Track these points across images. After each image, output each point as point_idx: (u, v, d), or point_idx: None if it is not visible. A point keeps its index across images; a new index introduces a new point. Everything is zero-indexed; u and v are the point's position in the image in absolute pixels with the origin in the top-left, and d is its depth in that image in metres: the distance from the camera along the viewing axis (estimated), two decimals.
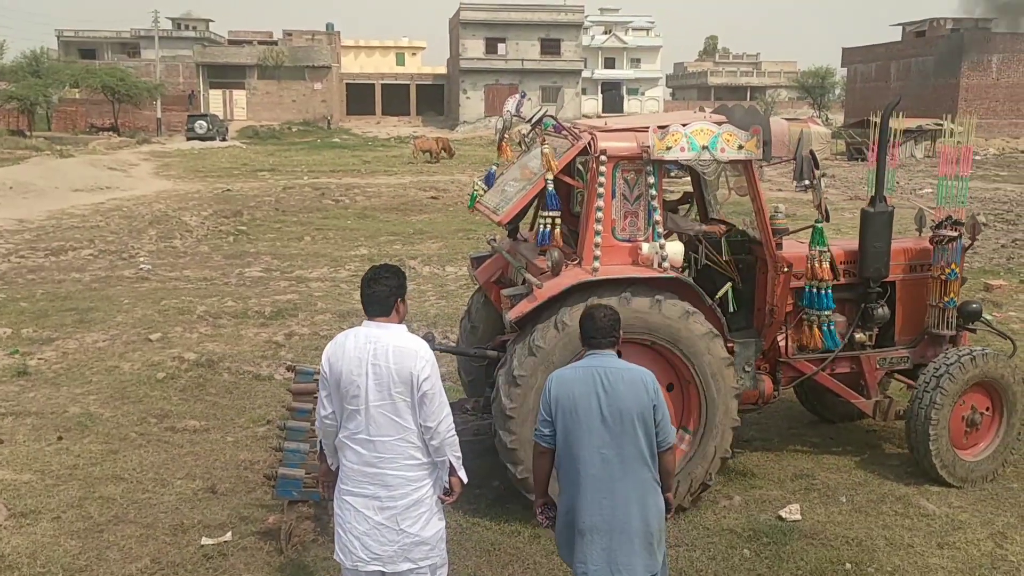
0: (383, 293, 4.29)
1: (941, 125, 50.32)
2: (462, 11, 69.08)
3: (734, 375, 6.31)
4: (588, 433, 4.23)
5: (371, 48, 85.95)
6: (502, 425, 6.11)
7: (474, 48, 68.96)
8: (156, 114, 60.10)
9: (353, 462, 4.30)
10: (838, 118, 73.39)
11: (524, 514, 6.16)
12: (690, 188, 7.85)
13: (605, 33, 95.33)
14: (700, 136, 6.26)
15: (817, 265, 6.60)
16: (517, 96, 7.27)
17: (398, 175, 34.56)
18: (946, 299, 7.06)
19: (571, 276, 6.11)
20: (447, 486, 4.42)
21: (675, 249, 6.24)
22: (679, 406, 6.43)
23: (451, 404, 7.63)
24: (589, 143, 6.26)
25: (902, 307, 7.26)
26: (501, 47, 69.94)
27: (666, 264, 6.14)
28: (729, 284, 6.96)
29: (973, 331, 7.42)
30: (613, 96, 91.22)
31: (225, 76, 68.11)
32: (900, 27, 70.33)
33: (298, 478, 5.67)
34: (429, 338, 7.00)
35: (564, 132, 6.44)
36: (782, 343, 7.02)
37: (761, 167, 7.11)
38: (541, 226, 6.23)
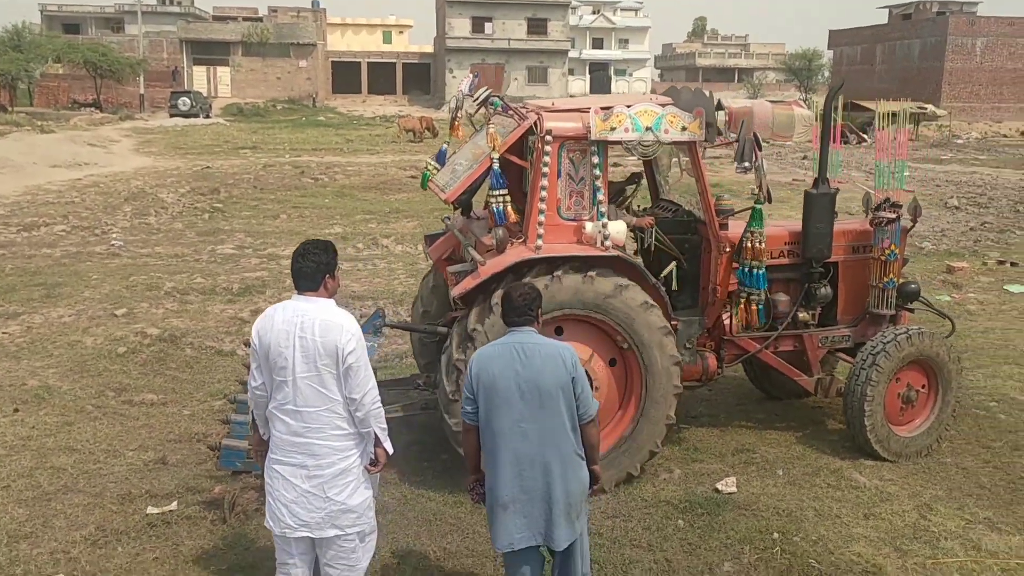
0: (311, 268, 4.40)
1: (925, 109, 50.76)
2: None
3: (673, 343, 6.45)
4: (507, 408, 4.34)
5: (358, 26, 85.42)
6: (446, 408, 6.24)
7: (460, 27, 68.71)
8: (139, 90, 59.67)
9: (282, 432, 4.43)
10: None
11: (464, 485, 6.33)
12: (637, 169, 7.96)
13: (593, 13, 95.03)
14: (644, 117, 6.38)
15: (753, 245, 6.74)
16: (470, 76, 7.39)
17: (380, 154, 34.56)
18: (885, 279, 7.21)
19: (514, 254, 6.25)
20: (373, 457, 4.55)
21: (617, 228, 6.37)
22: (622, 379, 6.57)
23: (403, 379, 7.84)
24: (535, 123, 6.38)
25: (844, 287, 7.42)
26: (488, 26, 69.70)
27: (608, 243, 6.27)
28: (673, 264, 7.12)
29: (911, 311, 7.58)
30: (601, 77, 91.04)
31: (209, 53, 67.67)
32: (887, 10, 70.40)
33: (241, 449, 5.80)
34: (380, 314, 7.20)
35: (511, 112, 6.55)
36: (727, 321, 7.18)
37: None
38: (493, 205, 6.34)
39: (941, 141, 47.18)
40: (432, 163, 7.37)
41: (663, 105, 6.46)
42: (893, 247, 7.15)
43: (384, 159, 32.48)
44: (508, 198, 6.30)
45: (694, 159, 6.74)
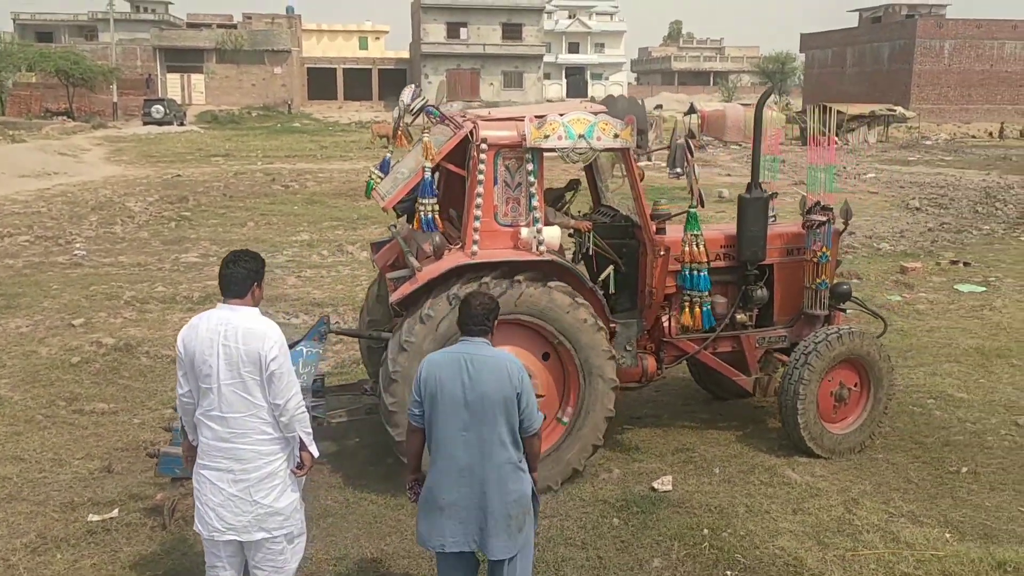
0: (240, 275, 4.51)
1: (894, 111, 51.35)
2: None
3: (605, 339, 6.58)
4: (452, 416, 4.40)
5: (334, 32, 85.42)
6: (386, 387, 6.35)
7: (435, 32, 68.90)
8: (112, 98, 59.48)
9: (208, 438, 4.54)
10: (798, 103, 74.10)
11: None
12: (576, 176, 8.11)
13: (569, 18, 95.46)
14: (577, 125, 6.53)
15: (692, 248, 6.91)
16: (412, 87, 7.52)
17: (353, 160, 34.62)
18: (818, 281, 7.40)
19: (451, 259, 6.39)
20: (299, 460, 4.67)
21: (552, 233, 6.52)
22: (560, 380, 6.71)
23: (351, 384, 7.95)
24: (470, 132, 6.53)
25: (780, 288, 7.60)
26: (463, 31, 69.91)
27: (543, 247, 6.42)
28: (611, 267, 7.29)
29: (844, 311, 7.76)
30: (577, 81, 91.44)
31: (183, 60, 67.50)
32: (857, 13, 71.12)
33: (179, 456, 5.87)
34: (324, 321, 7.31)
35: (447, 122, 6.69)
36: (666, 323, 7.35)
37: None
38: (422, 213, 6.48)
39: (910, 143, 47.74)
40: (376, 172, 7.49)
41: (595, 113, 6.61)
42: (825, 249, 7.34)
43: (356, 165, 32.54)
44: (437, 207, 6.45)
45: (628, 165, 6.89)
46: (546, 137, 6.45)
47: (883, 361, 7.30)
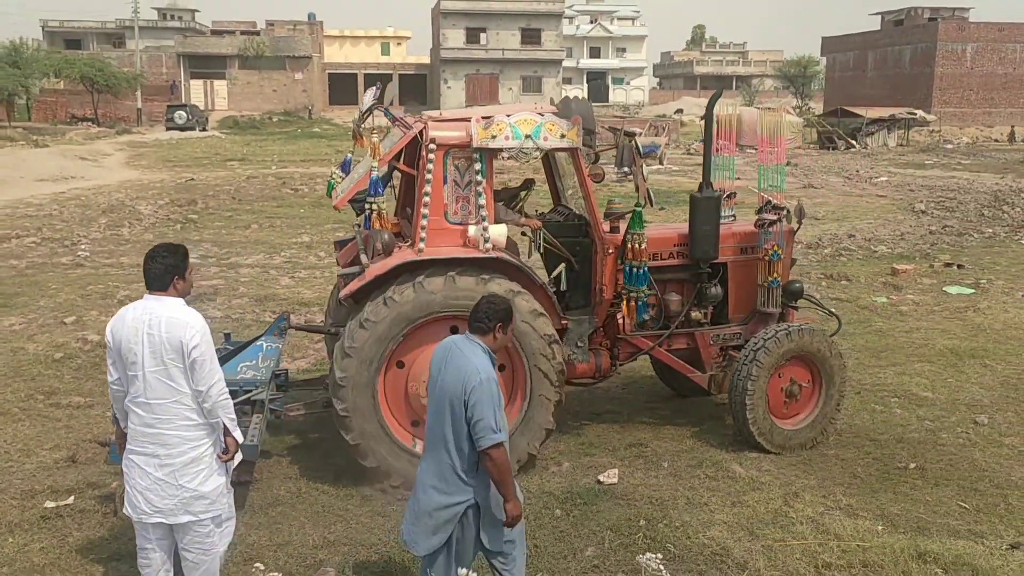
0: (159, 270, 4.71)
1: (915, 115, 51.01)
2: (443, 0, 69.35)
3: (546, 323, 6.67)
4: (429, 402, 4.66)
5: (356, 38, 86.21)
6: (335, 393, 6.54)
7: (455, 38, 69.34)
8: (137, 104, 60.36)
9: (135, 423, 4.75)
10: (820, 107, 73.77)
11: (360, 481, 6.66)
12: (532, 175, 8.26)
13: (591, 22, 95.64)
14: (524, 126, 6.68)
15: (633, 246, 7.03)
16: (374, 88, 7.72)
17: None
18: (770, 279, 7.49)
19: (398, 257, 6.57)
20: (224, 446, 4.86)
21: (498, 231, 6.67)
22: (508, 374, 6.83)
23: (313, 379, 8.14)
24: (420, 132, 6.71)
25: (734, 287, 7.70)
26: (482, 37, 70.24)
27: (488, 245, 6.58)
28: (562, 265, 7.43)
29: (796, 308, 7.83)
30: (598, 86, 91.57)
31: (206, 66, 68.40)
32: (879, 16, 70.67)
33: None
34: (284, 317, 7.52)
35: (397, 123, 6.88)
36: (621, 321, 7.47)
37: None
38: (366, 211, 6.67)
39: (930, 146, 47.41)
40: (337, 172, 7.71)
41: (542, 114, 6.76)
42: (776, 248, 7.43)
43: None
44: (384, 206, 6.64)
45: (576, 165, 7.03)
46: (493, 137, 6.61)
47: (834, 358, 7.38)
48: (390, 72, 76.84)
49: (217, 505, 4.86)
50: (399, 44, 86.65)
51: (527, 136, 6.68)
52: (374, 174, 6.66)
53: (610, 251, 7.14)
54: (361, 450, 6.58)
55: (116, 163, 35.55)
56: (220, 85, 68.83)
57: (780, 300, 7.59)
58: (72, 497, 6.33)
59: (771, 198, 7.57)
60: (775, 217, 7.45)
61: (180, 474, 4.74)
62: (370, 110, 6.88)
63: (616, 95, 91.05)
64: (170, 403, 4.68)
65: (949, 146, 47.77)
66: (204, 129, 55.05)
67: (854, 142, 46.23)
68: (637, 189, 7.10)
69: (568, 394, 8.54)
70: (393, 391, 6.70)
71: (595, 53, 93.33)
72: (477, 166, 6.65)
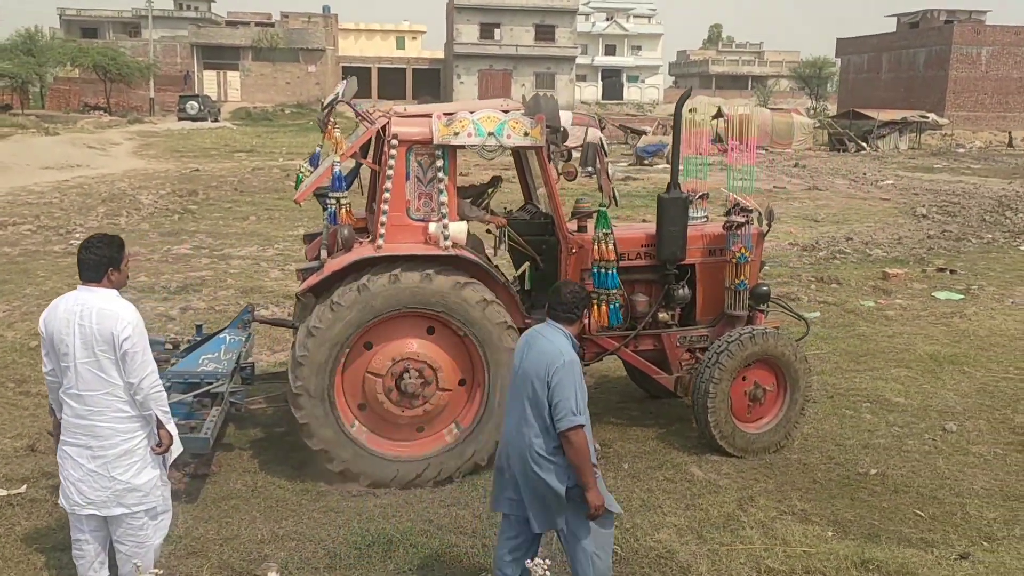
0: (93, 261, 4.71)
1: (927, 118, 50.65)
2: None
3: (500, 311, 6.63)
4: (512, 384, 4.73)
5: (371, 31, 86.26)
6: (293, 370, 6.52)
7: (468, 33, 69.29)
8: (149, 94, 60.63)
9: (68, 415, 4.75)
10: (835, 109, 73.38)
11: (317, 476, 6.68)
12: (498, 172, 8.22)
13: (606, 20, 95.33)
14: (487, 123, 6.65)
15: (601, 246, 6.99)
16: (344, 81, 7.72)
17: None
18: (738, 281, 7.44)
19: (357, 252, 6.55)
20: (158, 439, 4.86)
21: (458, 228, 6.64)
22: (468, 373, 6.82)
23: (278, 373, 8.12)
24: (382, 128, 6.69)
25: (702, 288, 7.64)
26: (496, 32, 70.16)
27: (448, 243, 6.56)
28: (527, 264, 7.40)
29: (764, 312, 7.76)
30: (613, 83, 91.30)
31: (220, 57, 68.62)
32: (895, 18, 70.20)
33: None
34: (248, 310, 7.53)
35: (360, 117, 6.87)
36: (586, 321, 7.43)
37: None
38: (330, 207, 6.66)
39: (942, 150, 47.08)
40: (306, 166, 7.72)
41: (505, 111, 6.72)
42: (743, 250, 7.37)
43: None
44: (346, 200, 6.63)
45: (541, 163, 6.99)
46: (456, 134, 6.58)
47: (799, 363, 7.33)
48: (403, 66, 76.93)
49: (151, 498, 4.86)
50: (414, 38, 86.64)
51: (490, 133, 6.65)
52: (336, 168, 6.65)
53: (574, 250, 7.10)
54: (307, 430, 6.56)
55: (124, 152, 35.74)
56: (233, 76, 69.03)
57: (747, 303, 7.53)
58: (25, 486, 6.36)
59: (740, 200, 7.51)
60: (743, 219, 7.39)
61: (112, 466, 4.74)
62: (331, 103, 6.86)
63: (631, 93, 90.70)
64: (102, 395, 4.68)
65: (961, 150, 47.43)
66: (216, 120, 55.28)
67: (865, 144, 45.96)
68: (600, 189, 7.05)
69: None
70: (352, 385, 6.69)
71: (610, 51, 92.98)
72: (439, 163, 6.63)
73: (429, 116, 6.70)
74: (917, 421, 8.16)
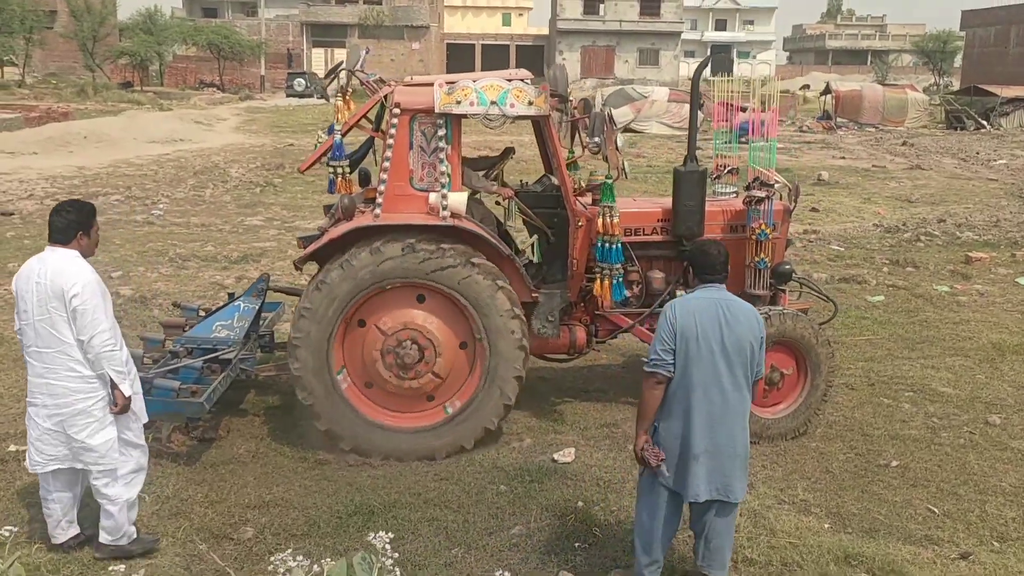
0: (61, 224, 4.86)
1: None
2: None
3: (505, 296, 6.49)
4: (710, 362, 4.47)
5: (478, 8, 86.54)
6: (292, 353, 6.57)
7: (572, 8, 68.67)
8: (260, 71, 62.38)
9: (31, 375, 4.92)
10: (959, 85, 69.71)
11: (319, 445, 6.73)
12: (511, 144, 8.05)
13: None
14: (489, 92, 6.51)
15: (605, 220, 6.77)
16: (362, 51, 7.70)
17: (476, 134, 35.03)
18: (757, 259, 7.10)
19: (355, 221, 6.53)
20: (113, 399, 4.94)
21: (457, 199, 6.53)
22: (468, 339, 6.72)
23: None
24: (385, 96, 6.63)
25: None
26: (600, 7, 69.28)
27: (446, 212, 6.46)
28: (535, 236, 7.24)
29: (783, 291, 7.38)
30: (722, 59, 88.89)
31: (328, 35, 69.98)
32: None
33: None
34: (263, 279, 7.62)
35: (365, 86, 6.82)
36: (599, 297, 7.22)
37: None
38: (329, 175, 6.64)
39: None
40: (323, 136, 7.69)
41: (508, 80, 6.56)
42: (763, 226, 7.03)
43: (471, 138, 32.89)
44: (346, 169, 6.60)
45: (548, 134, 6.81)
46: (457, 103, 6.47)
47: (821, 347, 6.95)
48: (507, 43, 76.87)
49: (107, 459, 4.96)
50: (520, 15, 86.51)
51: (493, 103, 6.50)
52: (337, 137, 6.63)
53: (580, 224, 6.90)
54: (315, 411, 6.61)
55: (227, 128, 36.79)
56: (340, 53, 70.19)
57: (768, 282, 7.19)
58: None
59: (760, 174, 7.15)
60: (764, 194, 7.04)
61: (68, 424, 4.89)
62: (334, 71, 6.84)
63: (741, 69, 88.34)
64: (55, 353, 4.82)
65: None
66: (322, 97, 56.37)
67: (985, 123, 43.45)
68: (607, 160, 6.81)
69: (562, 370, 8.45)
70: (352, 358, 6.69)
71: (721, 25, 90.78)
72: (441, 132, 6.52)
73: (430, 85, 6.60)
74: (959, 413, 7.66)
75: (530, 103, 6.53)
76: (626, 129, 35.63)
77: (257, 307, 7.47)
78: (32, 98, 41.68)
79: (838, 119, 41.98)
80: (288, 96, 55.26)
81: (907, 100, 44.89)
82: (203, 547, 5.03)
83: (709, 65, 7.77)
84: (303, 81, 56.64)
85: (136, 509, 5.26)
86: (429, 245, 6.35)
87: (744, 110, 7.68)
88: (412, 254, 6.33)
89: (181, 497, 5.96)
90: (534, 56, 77.37)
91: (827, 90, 45.17)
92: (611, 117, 6.85)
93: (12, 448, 6.51)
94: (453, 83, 6.49)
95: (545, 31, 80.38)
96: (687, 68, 76.74)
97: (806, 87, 64.34)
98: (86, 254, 4.94)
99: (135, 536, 5.21)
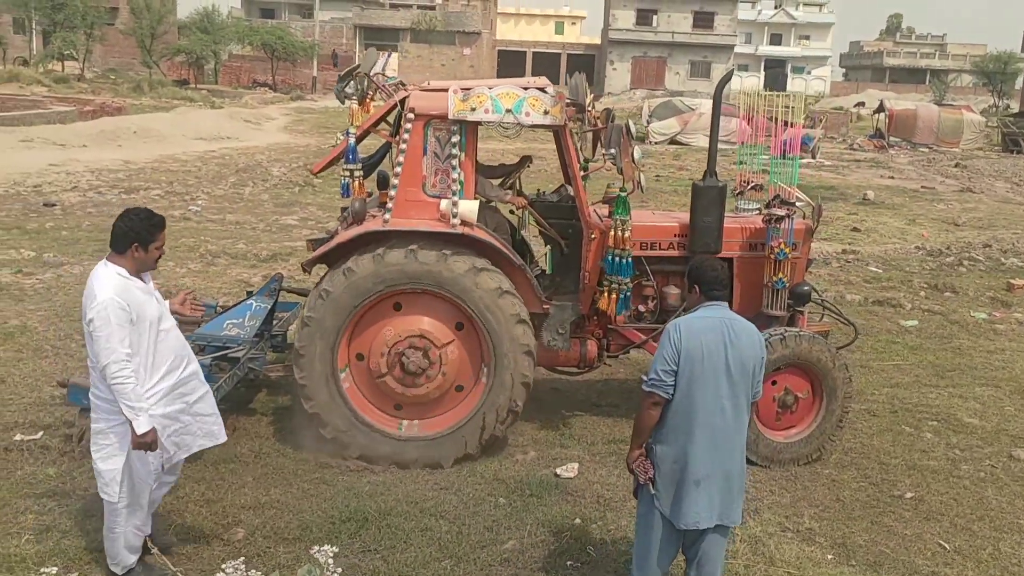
0: (118, 230, 4.64)
1: None
2: None
3: (514, 303, 6.40)
4: (714, 383, 4.32)
5: (531, 16, 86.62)
6: (296, 362, 6.55)
7: (624, 19, 68.43)
8: (313, 72, 63.04)
9: None
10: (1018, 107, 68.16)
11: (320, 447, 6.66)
12: (528, 153, 7.96)
13: (775, 8, 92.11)
14: (505, 99, 6.43)
15: (617, 233, 6.65)
16: (385, 55, 7.68)
17: (517, 141, 35.02)
18: (776, 279, 6.93)
19: (364, 226, 6.49)
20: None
21: (468, 207, 6.46)
22: (476, 355, 6.63)
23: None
24: (401, 101, 6.59)
25: (739, 284, 7.16)
26: (653, 19, 68.94)
27: (456, 220, 6.39)
28: (549, 248, 7.14)
29: (801, 312, 7.18)
30: (776, 74, 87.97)
31: (380, 38, 70.41)
32: None
33: (87, 388, 6.31)
34: (276, 279, 7.61)
35: (380, 91, 6.78)
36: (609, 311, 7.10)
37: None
38: (343, 179, 6.63)
39: None
40: (341, 137, 7.68)
41: (525, 88, 6.48)
42: (783, 245, 6.85)
43: (509, 146, 32.91)
44: (360, 173, 6.58)
45: (564, 143, 6.72)
46: (472, 109, 6.40)
47: (838, 371, 6.75)
48: (558, 52, 76.83)
49: (108, 490, 4.75)
50: (573, 24, 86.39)
51: (508, 111, 6.43)
52: (351, 141, 6.61)
53: (594, 236, 6.78)
54: (321, 420, 6.56)
55: (275, 127, 37.21)
56: (392, 58, 70.87)
57: (786, 303, 7.01)
58: (41, 433, 6.63)
59: (781, 192, 6.97)
60: (784, 212, 6.86)
61: (92, 442, 4.78)
62: (348, 74, 6.82)
63: (795, 85, 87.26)
64: (92, 369, 4.68)
65: None
66: (373, 99, 56.81)
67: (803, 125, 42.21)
68: (621, 172, 6.69)
69: (576, 383, 8.34)
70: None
71: (776, 40, 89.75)
72: (455, 138, 6.46)
73: (445, 91, 6.54)
74: (983, 445, 7.40)
75: (545, 112, 6.45)
76: (672, 141, 35.42)
77: (269, 307, 7.46)
78: (90, 93, 42.51)
79: (891, 138, 41.30)
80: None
81: (963, 121, 43.94)
82: (155, 551, 4.92)
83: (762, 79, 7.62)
84: (354, 83, 57.00)
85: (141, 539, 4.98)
86: (432, 251, 6.28)
87: (790, 125, 7.50)
88: (414, 261, 6.26)
89: (178, 495, 5.93)
90: (584, 65, 76.97)
91: (880, 108, 44.40)
92: (628, 129, 6.71)
93: (18, 437, 6.56)
94: (468, 89, 6.42)
95: (597, 40, 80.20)
96: (739, 82, 76.13)
97: (860, 104, 63.40)
98: (139, 270, 4.69)
99: (130, 567, 4.96)
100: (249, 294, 8.23)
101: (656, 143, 35.23)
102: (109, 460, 4.70)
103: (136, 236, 4.61)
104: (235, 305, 7.63)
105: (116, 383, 4.47)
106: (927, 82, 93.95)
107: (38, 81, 43.46)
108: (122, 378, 4.48)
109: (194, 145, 28.22)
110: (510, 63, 75.98)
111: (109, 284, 4.52)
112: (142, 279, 4.72)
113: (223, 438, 5.16)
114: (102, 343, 4.45)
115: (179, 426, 4.88)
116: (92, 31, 52.64)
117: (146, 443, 4.58)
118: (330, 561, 2.91)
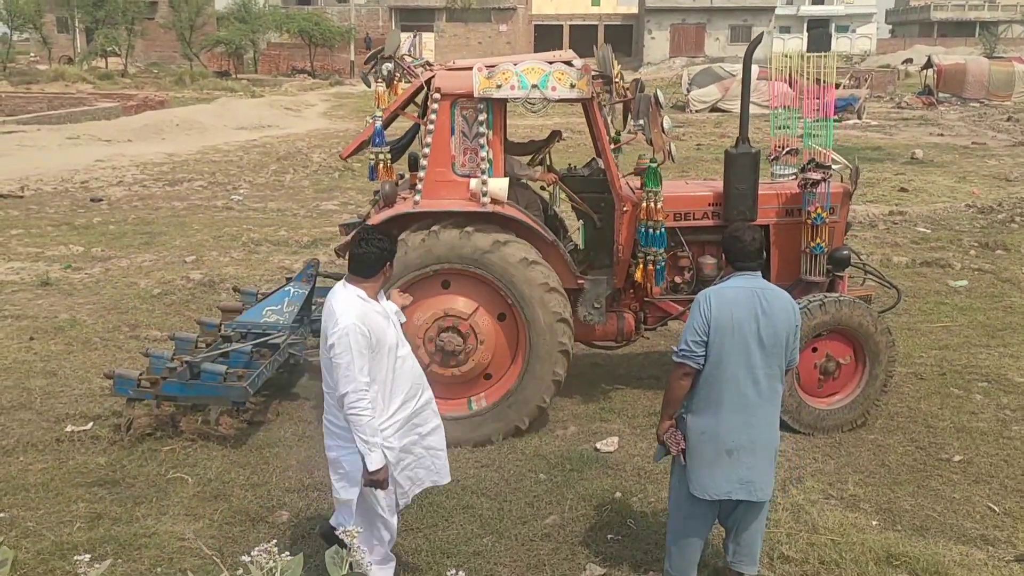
0: (371, 256, 4.47)
1: None
2: None
3: (558, 298, 6.42)
4: (745, 354, 4.29)
5: None
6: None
7: None
8: (350, 57, 63.20)
9: None
10: None
11: None
12: (557, 128, 7.90)
13: None
14: (530, 75, 6.39)
15: (649, 204, 6.58)
16: (410, 36, 7.67)
17: (555, 116, 34.83)
18: (814, 244, 6.81)
19: (396, 208, 6.51)
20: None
21: (498, 185, 6.45)
22: (512, 334, 6.64)
23: None
24: (427, 81, 6.58)
25: (777, 251, 7.07)
26: None
27: (486, 199, 6.38)
28: (581, 222, 7.10)
29: (840, 277, 7.04)
30: (820, 34, 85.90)
31: (416, 19, 70.38)
32: None
33: (132, 378, 6.48)
34: (312, 264, 7.69)
35: (407, 72, 6.77)
36: (645, 284, 7.05)
37: None
38: (370, 161, 6.65)
39: None
40: (370, 119, 7.70)
41: (550, 62, 6.42)
42: (819, 210, 6.73)
43: (548, 121, 32.74)
44: (387, 156, 6.59)
45: (592, 117, 6.66)
46: (498, 87, 6.38)
47: (880, 335, 6.64)
48: (595, 23, 75.95)
49: (339, 516, 4.71)
50: None
51: (534, 86, 6.39)
52: (377, 124, 6.62)
53: (625, 208, 6.73)
54: None
55: (315, 114, 37.40)
56: (428, 38, 70.48)
57: (825, 268, 6.89)
58: (91, 424, 6.79)
59: (816, 155, 6.83)
60: (819, 176, 6.74)
61: (331, 470, 4.68)
62: (374, 56, 6.82)
63: (840, 44, 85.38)
64: (327, 392, 4.56)
65: None
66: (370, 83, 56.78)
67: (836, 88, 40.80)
68: (651, 143, 6.61)
69: (616, 356, 8.31)
70: None
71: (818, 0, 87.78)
72: (482, 116, 6.44)
73: (472, 69, 6.52)
74: None
75: (572, 86, 6.40)
76: (713, 109, 34.94)
77: (307, 292, 7.54)
78: (133, 88, 43.14)
79: (940, 94, 40.28)
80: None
81: (1014, 73, 42.60)
82: (190, 534, 5.02)
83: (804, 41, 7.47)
84: (390, 66, 57.07)
85: None
86: (454, 229, 6.28)
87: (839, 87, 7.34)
88: (436, 240, 6.27)
89: (223, 479, 6.06)
90: (623, 35, 76.23)
91: (928, 64, 43.26)
92: (657, 99, 6.62)
93: (69, 428, 6.72)
94: (493, 67, 6.39)
95: (635, 10, 79.07)
96: (782, 45, 74.67)
97: (908, 61, 61.83)
98: (378, 291, 4.60)
99: None
100: (288, 280, 8.32)
101: (697, 111, 34.79)
102: (344, 491, 4.56)
103: (390, 255, 4.54)
104: (273, 292, 7.72)
105: (352, 414, 4.33)
106: (976, 35, 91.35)
107: (83, 79, 44.24)
108: (359, 408, 4.32)
109: (236, 135, 28.49)
110: (547, 37, 75.30)
111: (352, 309, 4.36)
112: (378, 300, 4.60)
113: (447, 478, 4.97)
114: (342, 370, 4.30)
115: (412, 459, 4.73)
116: (133, 26, 53.30)
117: (377, 480, 4.41)
118: (356, 542, 2.92)
